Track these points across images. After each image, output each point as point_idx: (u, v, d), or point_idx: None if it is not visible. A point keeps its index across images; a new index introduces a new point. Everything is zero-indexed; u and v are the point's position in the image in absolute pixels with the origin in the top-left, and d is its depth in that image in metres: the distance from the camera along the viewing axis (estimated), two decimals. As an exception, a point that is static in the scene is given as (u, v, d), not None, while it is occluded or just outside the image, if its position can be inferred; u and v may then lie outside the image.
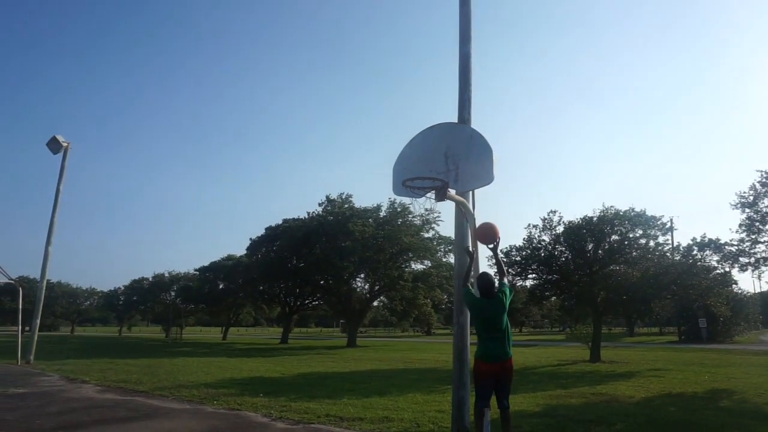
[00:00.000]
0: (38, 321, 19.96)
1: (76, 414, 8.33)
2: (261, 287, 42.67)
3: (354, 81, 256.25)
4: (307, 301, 45.67)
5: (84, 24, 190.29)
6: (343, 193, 37.54)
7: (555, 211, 21.82)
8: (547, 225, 21.86)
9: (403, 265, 36.55)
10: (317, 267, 33.60)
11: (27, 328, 19.86)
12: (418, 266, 38.21)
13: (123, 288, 65.99)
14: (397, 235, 34.28)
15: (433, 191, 5.97)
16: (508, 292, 5.76)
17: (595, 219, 21.06)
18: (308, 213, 38.11)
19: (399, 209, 35.82)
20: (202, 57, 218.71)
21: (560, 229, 21.74)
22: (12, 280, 20.41)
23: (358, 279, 38.11)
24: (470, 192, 6.78)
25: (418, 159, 6.41)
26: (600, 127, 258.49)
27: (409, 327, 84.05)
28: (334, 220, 35.13)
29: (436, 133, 6.54)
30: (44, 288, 20.39)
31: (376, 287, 38.11)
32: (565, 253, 22.10)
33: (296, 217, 39.18)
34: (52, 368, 16.22)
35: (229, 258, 49.35)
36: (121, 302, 65.98)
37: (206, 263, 50.46)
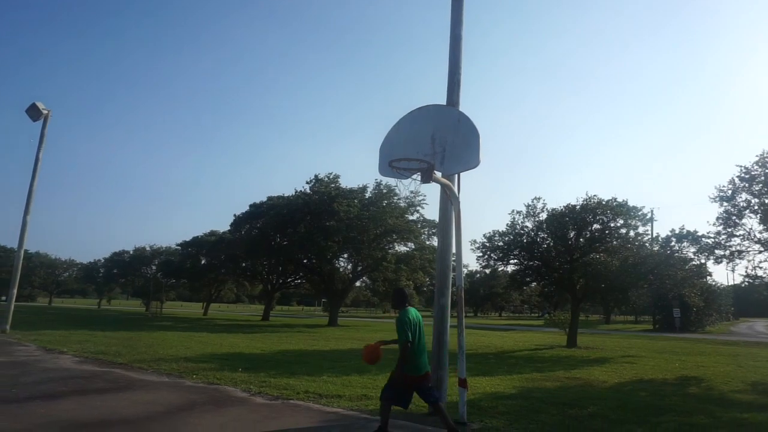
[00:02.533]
0: (15, 291, 19.73)
1: (53, 384, 8.30)
2: (243, 264, 42.54)
3: (349, 62, 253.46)
4: (289, 280, 45.66)
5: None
6: (330, 173, 37.35)
7: (539, 198, 21.99)
8: (531, 212, 22.04)
9: (387, 247, 36.66)
10: (300, 245, 33.52)
11: (3, 298, 19.62)
12: (401, 248, 38.37)
13: (103, 260, 65.29)
14: (382, 217, 34.29)
15: (419, 173, 5.99)
16: (397, 320, 5.80)
17: (578, 207, 21.27)
18: (295, 191, 37.91)
19: (385, 191, 35.79)
20: (202, 33, 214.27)
21: (543, 216, 21.93)
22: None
23: (341, 259, 38.16)
24: (456, 175, 6.80)
25: (405, 140, 6.41)
26: (592, 117, 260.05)
27: (391, 308, 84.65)
28: (320, 199, 34.98)
29: (424, 115, 6.52)
30: (21, 258, 20.10)
31: (359, 268, 38.22)
32: (547, 240, 22.33)
33: (282, 194, 38.94)
34: (28, 338, 16.09)
35: (212, 234, 48.99)
36: (100, 275, 65.33)
37: (188, 238, 50.10)
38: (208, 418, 6.33)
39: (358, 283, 43.30)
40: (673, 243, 21.69)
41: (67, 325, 23.09)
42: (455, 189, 6.59)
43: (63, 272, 76.35)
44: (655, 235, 26.26)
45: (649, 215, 22.87)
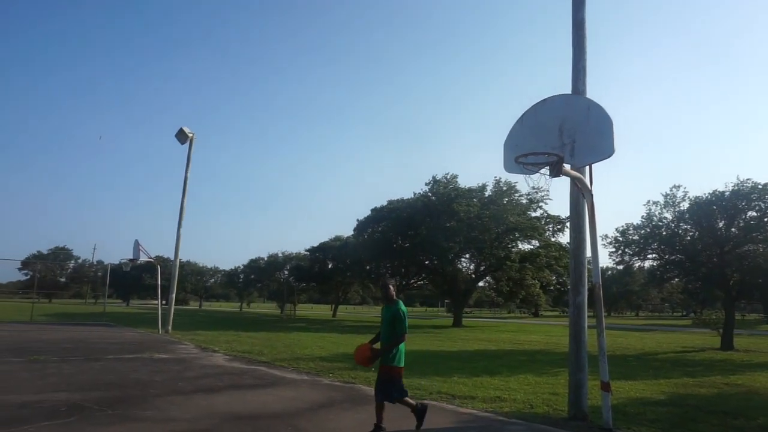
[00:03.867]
0: (173, 296, 22.16)
1: (210, 379, 9.18)
2: (368, 267, 43.89)
3: (459, 58, 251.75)
4: (412, 281, 46.28)
5: (194, 17, 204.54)
6: (448, 173, 37.31)
7: (678, 186, 20.06)
8: (670, 201, 20.18)
9: (510, 245, 35.72)
10: (422, 247, 33.83)
11: (164, 302, 22.16)
12: (525, 246, 37.15)
13: (242, 267, 71.21)
14: (503, 215, 33.51)
15: (547, 167, 5.74)
16: (400, 311, 5.63)
17: (727, 194, 19.07)
18: (414, 193, 38.39)
19: (505, 188, 34.96)
20: (307, 46, 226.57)
21: (685, 205, 19.97)
22: (151, 258, 22.84)
23: (463, 259, 37.92)
24: (586, 167, 6.43)
25: (531, 134, 6.19)
26: (732, 94, 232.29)
27: (516, 308, 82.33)
28: (439, 201, 35.06)
29: (549, 106, 6.25)
30: (177, 266, 22.54)
31: (482, 267, 37.68)
32: (690, 231, 20.31)
33: (402, 197, 39.63)
34: (186, 338, 17.97)
35: (337, 239, 51.22)
36: (240, 280, 71.31)
37: (316, 244, 52.85)
38: (348, 416, 6.60)
39: (481, 283, 42.63)
40: None
41: (215, 327, 25.48)
42: (587, 181, 6.23)
43: (209, 278, 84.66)
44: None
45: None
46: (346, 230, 56.84)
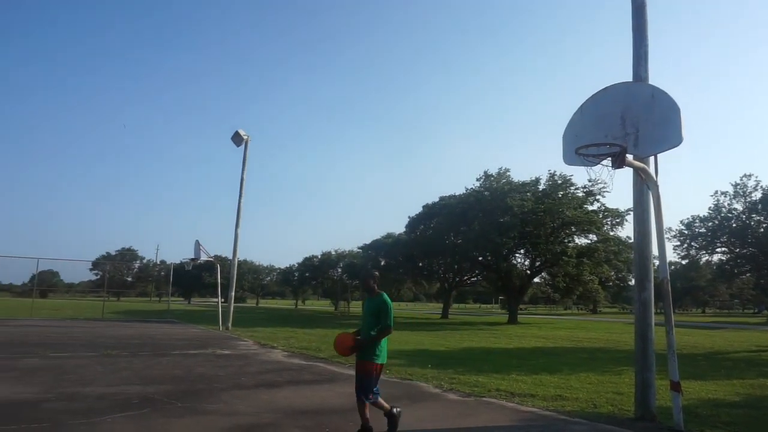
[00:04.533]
0: (233, 294, 22.89)
1: (271, 375, 9.42)
2: (420, 263, 43.82)
3: (516, 50, 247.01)
4: (465, 278, 45.86)
5: (270, 24, 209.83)
6: (500, 168, 36.71)
7: (750, 175, 18.93)
8: (740, 191, 19.10)
9: (566, 240, 34.73)
10: (475, 243, 33.41)
11: (223, 300, 22.91)
12: (582, 241, 36.00)
13: (297, 265, 72.73)
14: (558, 209, 32.64)
15: (609, 158, 5.53)
16: (386, 302, 5.35)
17: (805, 182, 17.83)
18: (465, 189, 38.01)
19: (560, 181, 34.05)
20: (366, 51, 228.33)
21: (757, 195, 18.83)
22: (211, 258, 23.68)
23: (517, 255, 37.20)
24: (650, 157, 6.16)
25: (591, 125, 5.97)
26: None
27: (573, 305, 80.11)
28: (492, 196, 34.55)
29: (611, 95, 6.01)
30: (236, 265, 23.26)
31: (537, 263, 36.84)
32: (764, 223, 19.12)
33: (453, 193, 39.33)
34: (246, 334, 18.52)
35: (389, 236, 51.40)
36: (295, 278, 72.82)
37: (368, 241, 53.24)
38: (407, 413, 6.59)
39: (536, 280, 41.71)
40: None
41: (273, 323, 26.15)
42: (652, 172, 5.96)
43: (266, 276, 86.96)
44: None
45: None
46: (398, 227, 57.01)
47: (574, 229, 34.24)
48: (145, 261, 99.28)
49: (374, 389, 5.29)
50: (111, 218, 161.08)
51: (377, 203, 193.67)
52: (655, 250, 6.28)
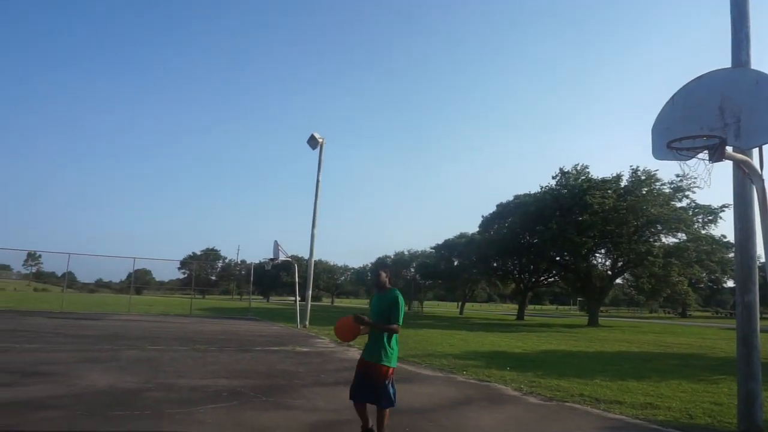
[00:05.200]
0: (310, 293, 23.54)
1: (349, 372, 9.53)
2: (494, 264, 43.09)
3: (596, 43, 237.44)
4: (542, 278, 44.59)
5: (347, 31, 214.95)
6: (577, 164, 35.36)
7: None
8: None
9: (652, 239, 32.84)
10: (552, 243, 32.37)
11: (300, 299, 23.59)
12: (669, 240, 33.91)
13: (370, 265, 73.66)
14: (642, 206, 30.96)
15: (706, 151, 5.17)
16: (398, 299, 4.82)
17: None
18: (541, 187, 36.95)
19: (643, 177, 32.29)
20: (436, 49, 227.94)
21: None
22: (289, 257, 24.47)
23: (597, 255, 35.65)
24: (754, 149, 5.68)
25: (684, 116, 5.59)
26: None
27: (659, 307, 75.67)
28: (569, 193, 33.34)
29: (706, 83, 5.59)
30: (312, 265, 23.90)
31: (620, 263, 35.13)
32: None
33: (528, 192, 38.38)
34: (323, 332, 18.97)
35: (462, 236, 50.93)
36: (368, 277, 73.74)
37: (440, 241, 53.01)
38: (487, 414, 6.50)
39: (618, 281, 39.77)
40: None
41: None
42: (756, 165, 5.50)
43: (340, 276, 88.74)
44: None
45: None
46: (471, 227, 56.31)
47: (660, 228, 32.33)
48: (227, 261, 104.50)
49: (393, 393, 4.81)
50: (196, 220, 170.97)
51: (451, 202, 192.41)
52: (760, 249, 5.80)
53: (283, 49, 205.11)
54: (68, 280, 38.94)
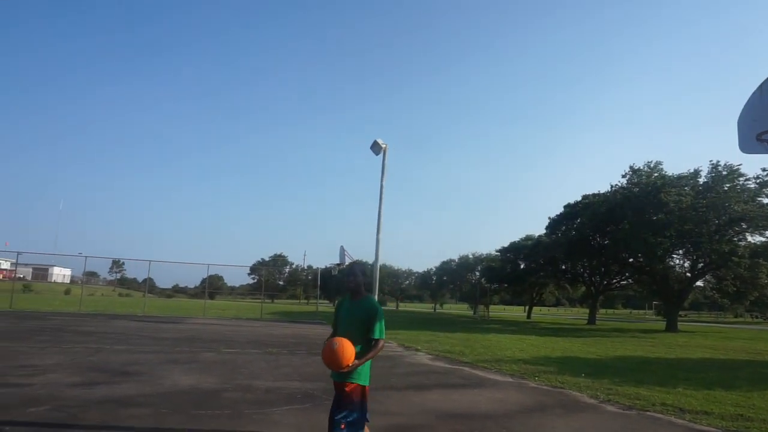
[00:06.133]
0: (375, 297, 23.71)
1: (418, 377, 9.59)
2: (563, 266, 41.78)
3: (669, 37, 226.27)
4: (614, 281, 42.74)
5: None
6: (650, 161, 33.67)
7: None
8: None
9: (736, 238, 30.69)
10: (625, 244, 30.95)
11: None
12: (757, 239, 31.54)
13: (434, 269, 73.39)
14: (725, 203, 29.01)
15: (800, 143, 4.79)
16: (378, 308, 3.94)
17: None
18: (610, 186, 35.50)
19: (725, 172, 30.30)
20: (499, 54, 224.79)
21: None
22: (354, 262, 24.79)
23: (675, 256, 33.72)
24: None
25: (774, 106, 5.20)
26: None
27: (745, 312, 70.56)
28: (641, 192, 31.78)
29: (798, 70, 5.19)
30: (378, 269, 24.08)
31: (700, 265, 33.07)
32: None
33: (597, 192, 37.00)
34: (389, 336, 19.05)
35: (528, 238, 49.75)
36: (433, 281, 73.49)
37: (506, 244, 51.99)
38: (562, 422, 6.31)
39: (699, 283, 37.43)
40: None
41: (413, 326, 26.61)
42: None
43: (404, 280, 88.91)
44: None
45: None
46: (537, 229, 54.87)
47: (745, 226, 30.15)
48: (294, 266, 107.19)
49: (365, 416, 3.89)
50: (265, 228, 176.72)
51: (516, 205, 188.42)
52: None
53: (361, 55, 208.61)
54: (148, 286, 41.31)
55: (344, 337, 3.75)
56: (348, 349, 3.62)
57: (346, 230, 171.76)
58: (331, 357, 3.62)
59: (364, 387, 3.85)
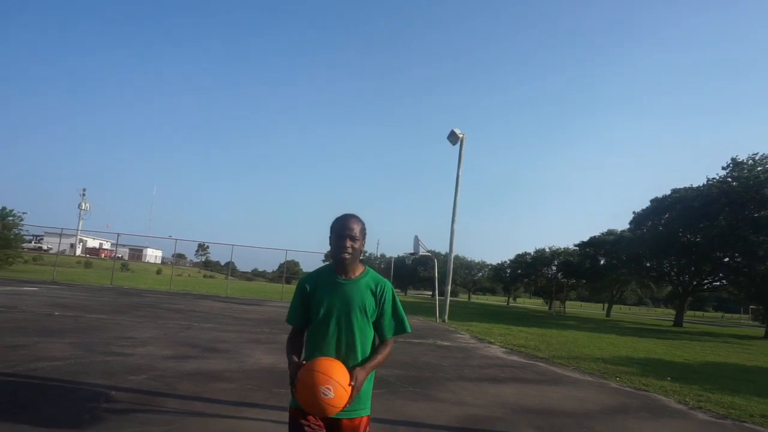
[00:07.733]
0: (449, 288, 23.64)
1: (493, 369, 9.47)
2: (648, 264, 39.55)
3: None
4: (705, 282, 39.92)
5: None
6: (755, 154, 31.00)
7: None
8: None
9: None
10: (720, 242, 28.80)
11: (438, 294, 23.76)
12: None
13: (509, 262, 71.86)
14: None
15: None
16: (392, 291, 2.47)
17: None
18: (707, 179, 33.09)
19: None
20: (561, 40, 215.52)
21: None
22: (429, 253, 24.80)
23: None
24: None
25: None
26: None
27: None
28: (743, 186, 29.36)
29: None
30: (452, 260, 23.96)
31: (810, 267, 30.16)
32: None
33: (689, 185, 34.61)
34: (462, 328, 18.95)
35: (610, 233, 47.54)
36: (507, 275, 72.02)
37: (585, 238, 49.96)
38: (648, 427, 6.02)
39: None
40: None
41: (486, 319, 26.26)
42: None
43: (477, 272, 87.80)
44: None
45: None
46: (620, 224, 52.22)
47: None
48: (367, 254, 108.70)
49: None
50: (337, 214, 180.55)
51: (596, 198, 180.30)
52: None
53: (438, 48, 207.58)
54: (231, 269, 43.49)
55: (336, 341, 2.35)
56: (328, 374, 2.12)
57: (421, 219, 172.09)
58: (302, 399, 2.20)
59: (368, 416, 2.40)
